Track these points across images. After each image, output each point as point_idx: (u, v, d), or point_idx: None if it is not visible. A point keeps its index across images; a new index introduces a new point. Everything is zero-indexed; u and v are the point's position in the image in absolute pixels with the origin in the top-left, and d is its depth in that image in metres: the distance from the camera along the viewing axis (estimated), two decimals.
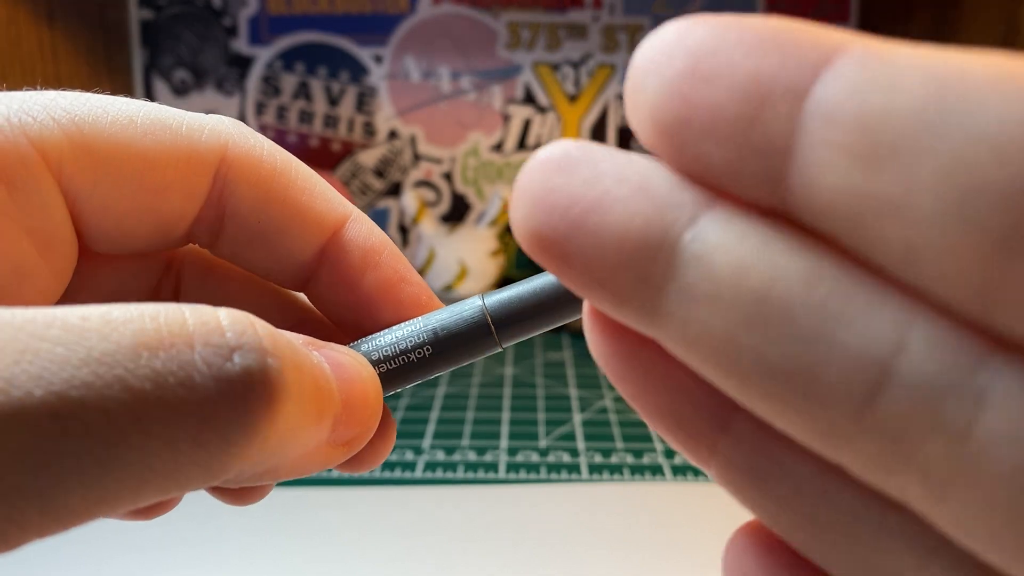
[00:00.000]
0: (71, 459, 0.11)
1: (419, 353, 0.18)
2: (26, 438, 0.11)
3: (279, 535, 0.42)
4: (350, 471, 0.19)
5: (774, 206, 0.09)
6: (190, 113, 0.18)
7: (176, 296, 0.20)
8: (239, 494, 0.19)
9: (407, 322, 0.18)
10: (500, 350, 0.18)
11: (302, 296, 0.21)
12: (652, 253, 0.10)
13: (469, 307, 0.18)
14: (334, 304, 0.20)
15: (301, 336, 0.16)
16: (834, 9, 0.79)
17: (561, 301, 0.17)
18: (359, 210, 0.19)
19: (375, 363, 0.18)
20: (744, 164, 0.09)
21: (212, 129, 0.18)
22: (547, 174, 0.11)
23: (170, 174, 0.17)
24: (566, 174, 0.10)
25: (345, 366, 0.16)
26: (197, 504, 0.44)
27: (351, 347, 0.18)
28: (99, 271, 0.19)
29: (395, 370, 0.18)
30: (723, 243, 0.10)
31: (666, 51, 0.10)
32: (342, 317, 0.20)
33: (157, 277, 0.20)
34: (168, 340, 0.12)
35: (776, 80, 0.09)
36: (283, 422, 0.14)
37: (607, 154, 0.11)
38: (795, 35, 0.09)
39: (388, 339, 0.18)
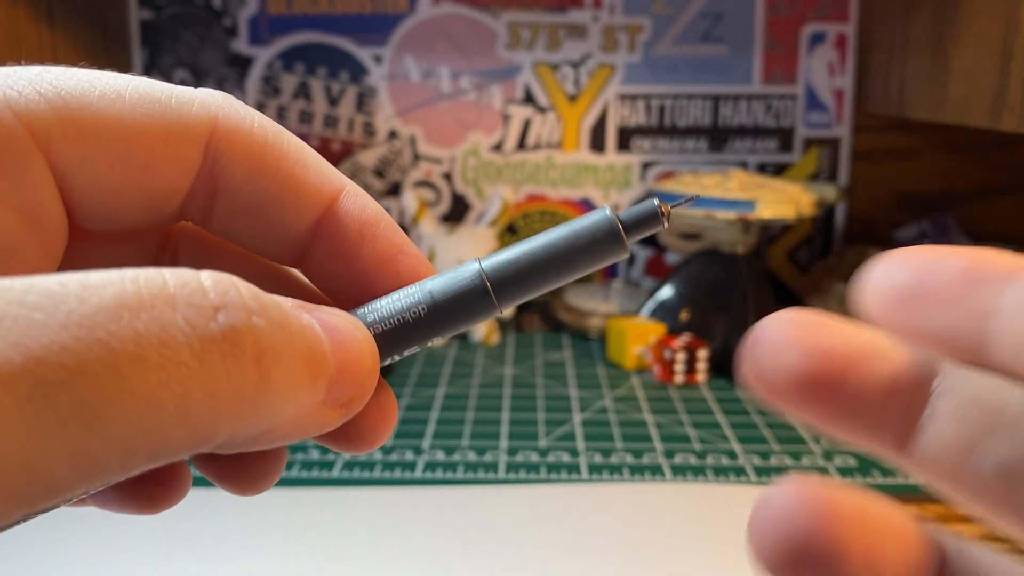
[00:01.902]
0: (55, 425, 0.11)
1: (414, 312, 0.18)
2: (8, 405, 0.11)
3: (279, 535, 0.41)
4: (352, 451, 0.18)
5: (975, 359, 0.13)
6: (179, 87, 0.18)
7: None
8: (245, 483, 0.18)
9: (403, 288, 0.18)
10: (499, 312, 0.18)
11: (297, 272, 0.20)
12: (916, 389, 0.13)
13: (466, 270, 0.18)
14: (330, 278, 0.19)
15: (290, 299, 0.16)
16: (834, 9, 0.79)
17: (557, 262, 0.17)
18: (353, 183, 0.19)
19: (370, 325, 0.18)
20: (958, 324, 0.13)
21: (202, 102, 0.18)
22: (811, 328, 0.13)
23: (160, 148, 0.17)
24: (830, 332, 0.13)
25: (338, 327, 0.16)
26: (198, 504, 0.44)
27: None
28: (91, 250, 0.19)
29: (391, 331, 0.18)
30: (965, 377, 0.13)
31: (895, 265, 0.13)
32: (339, 291, 0.20)
33: (151, 257, 0.20)
34: (149, 301, 0.12)
35: (983, 278, 0.12)
36: (273, 383, 0.14)
37: (843, 321, 0.14)
38: (992, 256, 0.12)
39: (383, 302, 0.18)
